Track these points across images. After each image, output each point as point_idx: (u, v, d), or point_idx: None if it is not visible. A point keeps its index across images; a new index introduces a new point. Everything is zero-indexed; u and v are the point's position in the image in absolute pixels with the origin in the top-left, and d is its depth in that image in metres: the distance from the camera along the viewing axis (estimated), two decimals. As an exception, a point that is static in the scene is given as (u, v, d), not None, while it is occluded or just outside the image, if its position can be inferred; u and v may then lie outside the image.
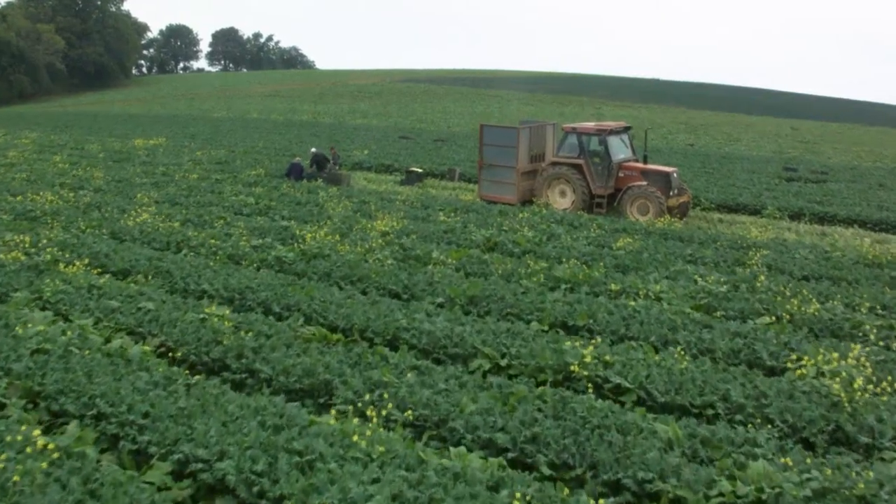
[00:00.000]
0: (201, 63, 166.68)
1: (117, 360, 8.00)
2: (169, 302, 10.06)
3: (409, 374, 7.57)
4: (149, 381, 7.45)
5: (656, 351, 8.97)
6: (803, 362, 8.28)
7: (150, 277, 11.48)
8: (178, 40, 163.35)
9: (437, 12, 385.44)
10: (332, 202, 17.73)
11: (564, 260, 12.91)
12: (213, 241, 13.17)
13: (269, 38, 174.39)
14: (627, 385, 7.66)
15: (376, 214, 16.61)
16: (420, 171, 24.48)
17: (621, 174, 19.45)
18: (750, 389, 7.58)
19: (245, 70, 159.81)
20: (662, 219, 17.50)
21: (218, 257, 12.66)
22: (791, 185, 25.48)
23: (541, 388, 7.35)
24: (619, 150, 19.83)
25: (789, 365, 8.44)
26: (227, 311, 9.41)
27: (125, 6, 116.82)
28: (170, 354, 8.39)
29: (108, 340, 8.83)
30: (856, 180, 27.19)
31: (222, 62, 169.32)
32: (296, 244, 13.34)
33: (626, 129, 20.25)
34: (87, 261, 12.00)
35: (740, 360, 8.73)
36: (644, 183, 18.84)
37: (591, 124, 19.92)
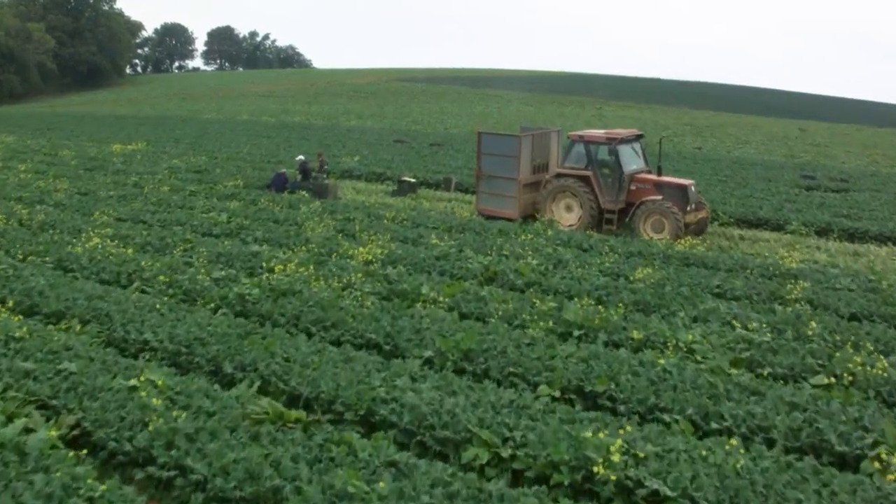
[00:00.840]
0: (197, 62, 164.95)
1: (10, 456, 6.21)
2: (98, 361, 8.26)
3: (382, 482, 5.78)
4: (41, 490, 5.67)
5: (696, 428, 7.21)
6: (884, 454, 6.53)
7: (85, 324, 9.68)
8: (174, 39, 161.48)
9: (436, 10, 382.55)
10: (312, 220, 15.92)
11: (575, 296, 11.13)
12: (162, 277, 11.29)
13: (266, 37, 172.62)
14: (668, 492, 5.88)
15: (361, 236, 14.82)
16: (413, 180, 22.70)
17: (633, 187, 17.66)
18: (827, 500, 5.80)
19: (241, 69, 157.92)
20: (682, 240, 15.72)
21: (171, 294, 10.87)
22: (811, 194, 23.71)
23: (556, 506, 5.57)
24: (631, 160, 18.05)
25: (866, 453, 6.67)
26: (162, 380, 7.59)
27: (118, 4, 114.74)
28: (74, 451, 6.53)
29: (10, 419, 7.02)
30: (879, 189, 25.41)
31: (218, 61, 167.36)
32: (264, 276, 11.55)
33: (639, 137, 18.46)
34: (13, 302, 10.20)
35: (802, 444, 6.95)
36: (659, 197, 17.06)
37: (599, 132, 18.14)
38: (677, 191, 17.28)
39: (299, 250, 13.13)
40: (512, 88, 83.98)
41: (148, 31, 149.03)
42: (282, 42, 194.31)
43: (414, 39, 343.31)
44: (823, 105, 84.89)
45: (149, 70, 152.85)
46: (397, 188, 22.46)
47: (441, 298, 10.60)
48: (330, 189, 21.27)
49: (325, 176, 24.44)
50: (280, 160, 27.43)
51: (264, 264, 12.03)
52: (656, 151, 19.21)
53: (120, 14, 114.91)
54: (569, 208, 18.13)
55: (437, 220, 16.73)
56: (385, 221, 16.15)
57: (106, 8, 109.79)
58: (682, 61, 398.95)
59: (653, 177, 17.82)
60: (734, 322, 10.17)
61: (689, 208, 17.25)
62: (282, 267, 11.63)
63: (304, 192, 21.52)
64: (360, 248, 12.84)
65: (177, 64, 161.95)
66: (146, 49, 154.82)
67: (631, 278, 12.17)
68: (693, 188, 17.54)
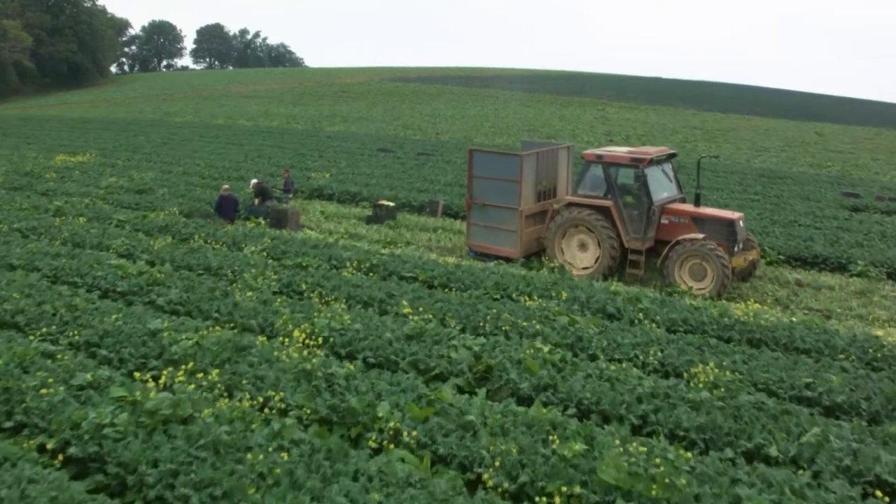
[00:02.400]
0: (186, 61, 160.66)
1: None
2: None
3: None
4: None
5: None
6: None
7: None
8: (161, 37, 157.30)
9: (434, 8, 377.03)
10: (251, 271, 12.18)
11: (610, 417, 7.46)
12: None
13: (256, 35, 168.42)
14: None
15: (309, 297, 11.12)
16: (391, 205, 18.98)
17: (665, 221, 14.03)
18: None
19: (231, 67, 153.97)
20: (742, 301, 12.04)
21: (-6, 422, 7.16)
22: (863, 219, 20.10)
23: None
24: (662, 186, 14.40)
25: None
26: None
27: (101, 1, 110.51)
28: None
29: None
30: (937, 210, 21.85)
31: (207, 60, 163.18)
32: (148, 383, 7.81)
33: (670, 157, 14.78)
34: None
35: None
36: (699, 236, 13.40)
37: (622, 150, 14.46)
38: (722, 226, 13.63)
39: (215, 327, 9.37)
40: (509, 88, 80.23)
41: (135, 29, 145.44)
42: (273, 40, 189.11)
43: (411, 37, 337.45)
44: (834, 106, 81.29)
45: (136, 69, 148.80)
46: (372, 214, 18.78)
47: (406, 431, 6.88)
48: (290, 216, 17.55)
49: (290, 196, 20.84)
50: (241, 175, 23.73)
51: (138, 377, 8.16)
52: (681, 168, 15.60)
53: (102, 11, 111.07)
54: (583, 247, 14.47)
55: (414, 266, 13.00)
56: (347, 271, 12.38)
57: (87, 5, 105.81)
58: (682, 60, 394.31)
59: (690, 208, 14.18)
60: (855, 465, 6.53)
61: (735, 249, 13.62)
62: (165, 377, 7.76)
63: (260, 220, 17.89)
64: (297, 331, 9.06)
65: (165, 63, 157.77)
66: (133, 47, 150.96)
67: (689, 380, 8.46)
68: (741, 223, 13.90)
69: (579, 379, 8.18)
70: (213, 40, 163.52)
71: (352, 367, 8.06)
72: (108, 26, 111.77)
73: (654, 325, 10.42)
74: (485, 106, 63.57)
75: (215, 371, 7.80)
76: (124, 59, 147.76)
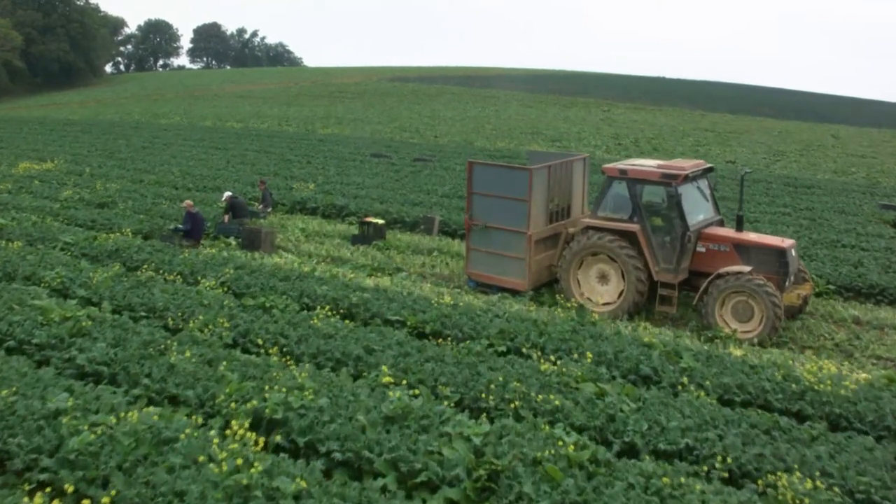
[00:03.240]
0: (182, 60, 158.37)
1: None
2: None
3: None
4: None
5: None
6: None
7: None
8: (158, 36, 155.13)
9: (434, 7, 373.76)
10: (200, 317, 9.93)
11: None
12: None
13: (254, 34, 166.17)
14: None
15: (268, 353, 8.90)
16: (380, 222, 16.75)
17: (702, 249, 11.81)
18: None
19: (228, 67, 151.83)
20: (805, 355, 9.83)
21: None
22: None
23: None
24: (698, 207, 12.19)
25: None
26: None
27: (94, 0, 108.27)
28: None
29: None
30: None
31: (205, 59, 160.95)
32: (24, 501, 5.60)
33: (707, 172, 12.55)
34: None
35: None
36: (745, 268, 11.18)
37: (650, 164, 12.21)
38: (771, 256, 11.42)
39: (131, 412, 7.11)
40: (510, 88, 77.95)
41: (131, 28, 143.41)
42: (272, 39, 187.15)
43: (410, 36, 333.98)
44: (842, 106, 78.95)
45: (132, 69, 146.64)
46: (359, 233, 16.54)
47: None
48: (264, 237, 15.35)
49: (269, 211, 18.65)
50: (217, 185, 21.52)
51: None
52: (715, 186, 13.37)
53: (95, 9, 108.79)
54: (603, 278, 12.25)
55: (401, 307, 10.78)
56: (316, 318, 10.10)
57: (80, 3, 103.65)
58: (682, 59, 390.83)
59: (731, 233, 11.95)
60: None
61: (787, 283, 11.40)
62: (42, 498, 5.47)
63: (231, 241, 15.74)
64: (236, 423, 6.80)
65: (161, 62, 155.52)
66: (129, 47, 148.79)
67: (761, 486, 6.24)
68: (794, 251, 11.67)
69: (618, 493, 5.96)
70: (210, 39, 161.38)
71: (303, 483, 5.80)
72: (101, 25, 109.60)
73: (702, 392, 8.20)
74: (485, 107, 61.31)
75: (112, 492, 5.56)
76: (120, 59, 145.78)
